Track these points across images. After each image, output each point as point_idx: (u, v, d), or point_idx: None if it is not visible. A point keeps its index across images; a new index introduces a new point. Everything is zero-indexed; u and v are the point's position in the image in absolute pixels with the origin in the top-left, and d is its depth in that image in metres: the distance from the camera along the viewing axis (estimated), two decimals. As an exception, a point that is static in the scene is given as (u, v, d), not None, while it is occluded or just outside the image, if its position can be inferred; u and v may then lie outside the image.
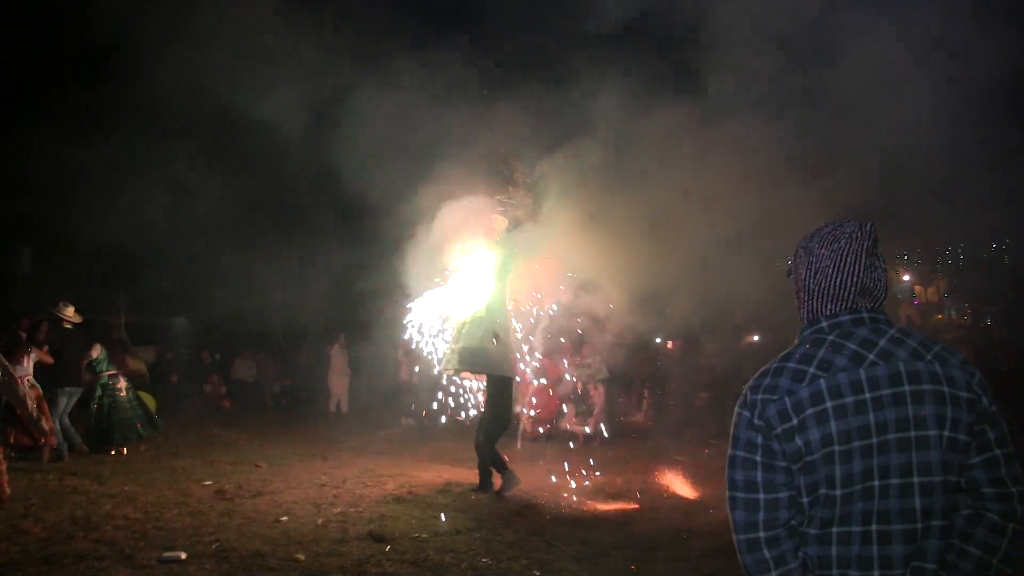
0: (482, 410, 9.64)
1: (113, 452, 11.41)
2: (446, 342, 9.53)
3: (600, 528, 7.86)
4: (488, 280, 9.22)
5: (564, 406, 14.37)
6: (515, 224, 9.62)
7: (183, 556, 6.43)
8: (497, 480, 9.20)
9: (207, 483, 9.44)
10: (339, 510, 8.34)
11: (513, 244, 9.38)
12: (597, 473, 10.51)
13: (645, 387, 16.66)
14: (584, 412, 14.05)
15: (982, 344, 18.46)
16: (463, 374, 9.61)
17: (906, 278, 31.44)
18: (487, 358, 9.05)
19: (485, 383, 9.43)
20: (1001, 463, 2.13)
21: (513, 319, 9.65)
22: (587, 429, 13.98)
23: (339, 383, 18.64)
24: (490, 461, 9.24)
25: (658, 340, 18.96)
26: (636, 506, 8.98)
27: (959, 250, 30.08)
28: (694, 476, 10.19)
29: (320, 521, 7.81)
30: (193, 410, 18.40)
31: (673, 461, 11.06)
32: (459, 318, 9.32)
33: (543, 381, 14.18)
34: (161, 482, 9.38)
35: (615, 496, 9.33)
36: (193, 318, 23.34)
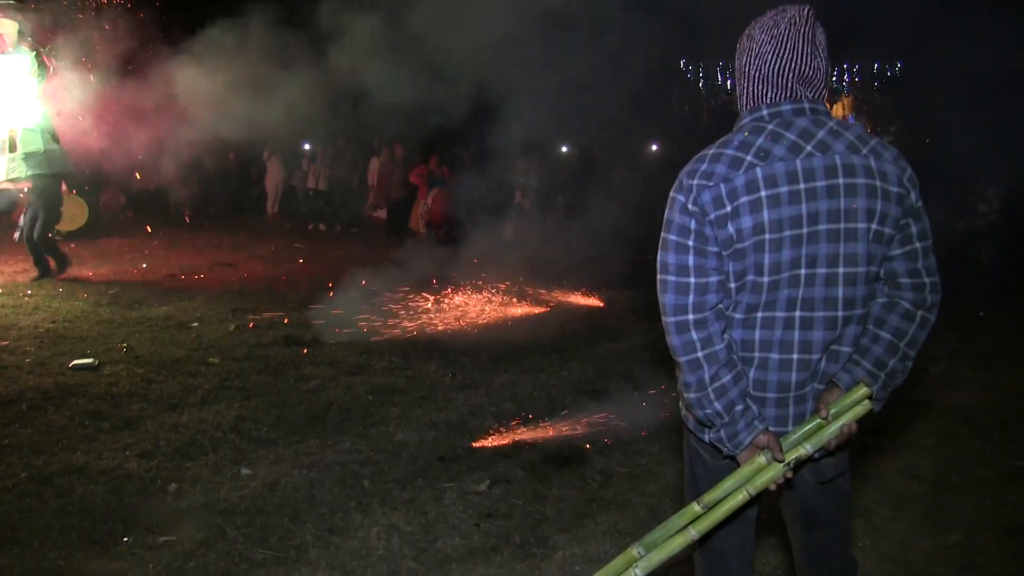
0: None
1: None
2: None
3: (513, 331, 8.10)
4: (29, 85, 9.09)
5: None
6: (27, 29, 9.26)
7: (95, 363, 6.39)
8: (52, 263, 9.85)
9: (113, 291, 9.26)
10: (251, 316, 8.34)
11: (37, 48, 9.19)
12: (510, 280, 10.69)
13: (562, 198, 16.81)
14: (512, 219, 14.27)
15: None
16: (20, 184, 9.60)
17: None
18: (54, 159, 9.33)
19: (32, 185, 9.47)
20: (919, 255, 2.22)
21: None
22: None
23: (274, 186, 18.53)
24: (46, 250, 9.75)
25: (564, 149, 18.91)
26: (546, 310, 9.25)
27: (865, 68, 30.30)
28: (604, 282, 10.49)
29: (232, 328, 7.81)
30: (93, 221, 17.76)
31: (584, 269, 11.30)
32: (10, 127, 9.25)
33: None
34: (66, 292, 9.14)
35: (527, 301, 9.56)
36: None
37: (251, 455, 4.84)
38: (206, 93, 9.10)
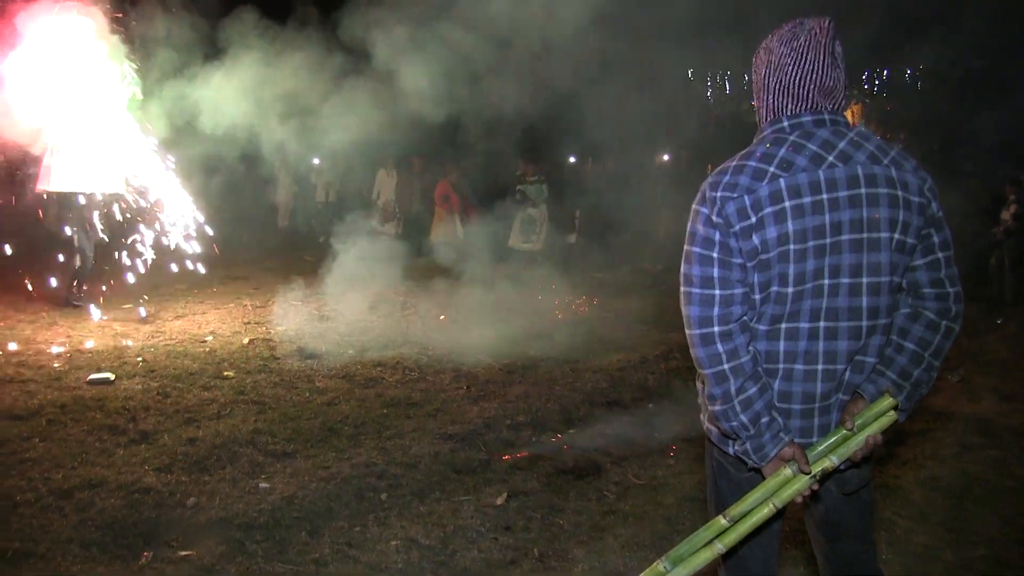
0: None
1: None
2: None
3: (527, 341, 8.07)
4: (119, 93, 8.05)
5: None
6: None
7: (112, 377, 6.42)
8: None
9: (127, 306, 9.28)
10: (264, 329, 8.37)
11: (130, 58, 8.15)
12: (526, 290, 10.67)
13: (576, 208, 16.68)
14: (527, 230, 14.04)
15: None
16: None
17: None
18: None
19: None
20: (942, 265, 2.22)
21: None
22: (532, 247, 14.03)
23: (285, 199, 18.52)
24: None
25: (572, 159, 18.82)
26: (559, 320, 9.23)
27: (875, 75, 30.29)
28: (613, 293, 10.48)
29: (246, 341, 7.83)
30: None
31: (594, 279, 11.30)
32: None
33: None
34: (80, 307, 9.16)
35: (540, 311, 9.53)
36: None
37: (268, 468, 4.84)
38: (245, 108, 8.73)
